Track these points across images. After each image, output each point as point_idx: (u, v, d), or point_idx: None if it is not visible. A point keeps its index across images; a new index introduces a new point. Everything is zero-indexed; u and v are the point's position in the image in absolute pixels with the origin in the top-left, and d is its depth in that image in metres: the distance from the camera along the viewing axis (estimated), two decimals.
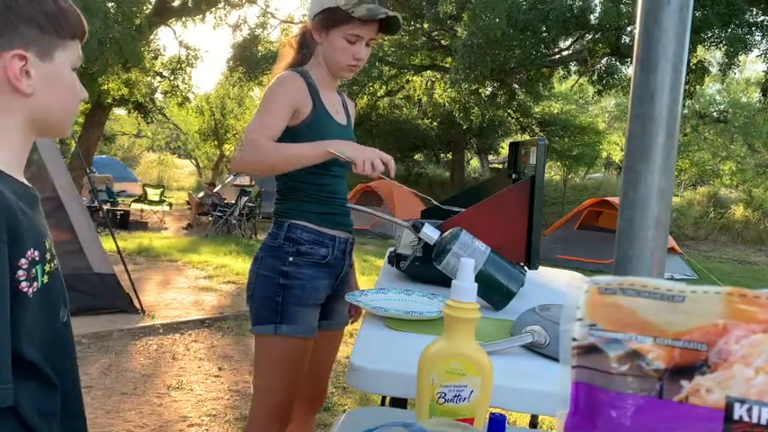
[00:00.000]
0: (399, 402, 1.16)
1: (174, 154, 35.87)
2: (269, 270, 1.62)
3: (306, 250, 1.62)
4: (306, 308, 1.63)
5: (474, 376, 0.69)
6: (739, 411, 0.38)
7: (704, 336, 0.39)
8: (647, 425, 0.39)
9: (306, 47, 1.70)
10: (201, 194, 13.25)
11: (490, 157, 24.40)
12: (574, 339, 0.42)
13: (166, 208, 13.43)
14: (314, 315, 1.66)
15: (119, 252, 5.05)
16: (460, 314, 0.70)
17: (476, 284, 0.71)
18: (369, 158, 1.45)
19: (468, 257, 1.39)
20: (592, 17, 11.62)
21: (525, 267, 1.76)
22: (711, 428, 0.38)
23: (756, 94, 18.40)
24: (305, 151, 1.49)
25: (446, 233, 1.46)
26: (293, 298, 1.60)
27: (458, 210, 1.79)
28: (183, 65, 14.48)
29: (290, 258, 1.61)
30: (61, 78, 0.94)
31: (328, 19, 1.60)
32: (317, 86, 1.65)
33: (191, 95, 15.32)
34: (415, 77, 16.77)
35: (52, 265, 0.91)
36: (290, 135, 1.59)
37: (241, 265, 7.61)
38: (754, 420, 0.37)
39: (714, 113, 20.34)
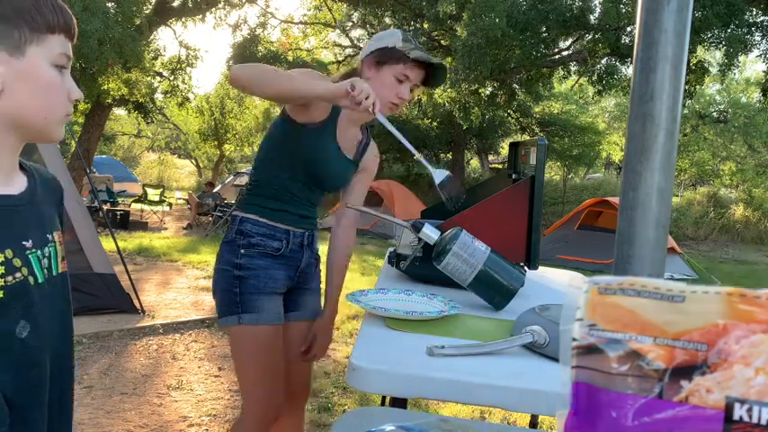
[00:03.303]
0: (399, 402, 1.16)
1: (174, 154, 35.87)
2: (225, 264, 1.69)
3: (256, 242, 1.69)
4: (263, 296, 1.68)
5: None
6: (739, 412, 0.38)
7: (704, 336, 0.39)
8: (647, 425, 0.39)
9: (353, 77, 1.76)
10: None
11: (490, 158, 24.39)
12: (574, 339, 0.42)
13: (166, 208, 13.43)
14: (274, 302, 1.71)
15: (119, 252, 5.05)
16: None
17: None
18: (371, 93, 1.44)
19: (470, 257, 1.39)
20: (592, 17, 11.61)
21: (525, 267, 1.76)
22: (711, 429, 0.38)
23: (756, 95, 18.41)
24: (311, 82, 1.48)
25: (446, 233, 1.46)
26: (249, 288, 1.67)
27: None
28: (183, 65, 14.47)
29: (242, 251, 1.68)
30: (37, 75, 0.86)
31: (384, 56, 1.68)
32: (339, 112, 1.71)
33: (191, 95, 15.31)
34: None
35: (8, 279, 0.84)
36: (292, 125, 1.66)
37: None
38: (755, 421, 0.37)
39: (714, 113, 20.33)
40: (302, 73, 1.56)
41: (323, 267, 1.93)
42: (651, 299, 0.40)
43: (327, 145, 1.71)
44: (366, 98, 1.43)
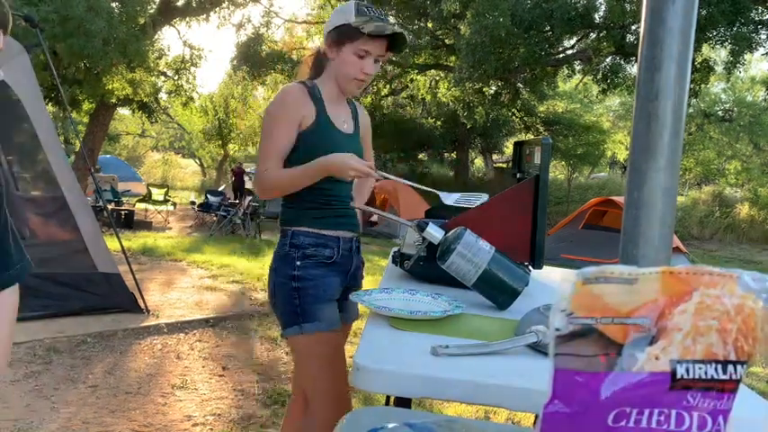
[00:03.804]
0: (403, 402, 1.16)
1: (178, 153, 35.96)
2: (282, 277, 1.74)
3: (311, 253, 1.73)
4: (322, 304, 1.72)
5: None
6: (681, 371, 0.45)
7: (648, 311, 0.45)
8: (614, 397, 0.45)
9: (319, 64, 1.83)
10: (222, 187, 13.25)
11: (494, 157, 24.37)
12: (557, 330, 0.45)
13: (171, 207, 13.46)
14: (332, 309, 1.76)
15: (123, 252, 5.07)
16: None
17: None
18: (353, 172, 1.61)
19: (474, 257, 1.39)
20: (596, 15, 11.59)
21: (530, 267, 1.75)
22: (663, 389, 0.45)
23: (762, 93, 18.32)
24: (300, 178, 1.67)
25: (450, 233, 1.46)
26: (308, 297, 1.71)
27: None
28: (188, 64, 14.50)
29: (298, 263, 1.72)
30: None
31: (340, 34, 1.71)
32: (322, 97, 1.76)
33: (195, 95, 15.34)
34: (418, 76, 16.76)
35: None
36: (301, 144, 1.73)
37: (245, 265, 7.62)
38: (693, 376, 0.45)
39: (719, 112, 20.26)
40: (274, 128, 1.71)
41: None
42: (615, 284, 0.45)
43: (331, 135, 1.75)
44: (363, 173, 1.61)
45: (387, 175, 1.82)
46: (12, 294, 0.94)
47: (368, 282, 2.09)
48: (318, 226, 1.75)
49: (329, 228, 1.76)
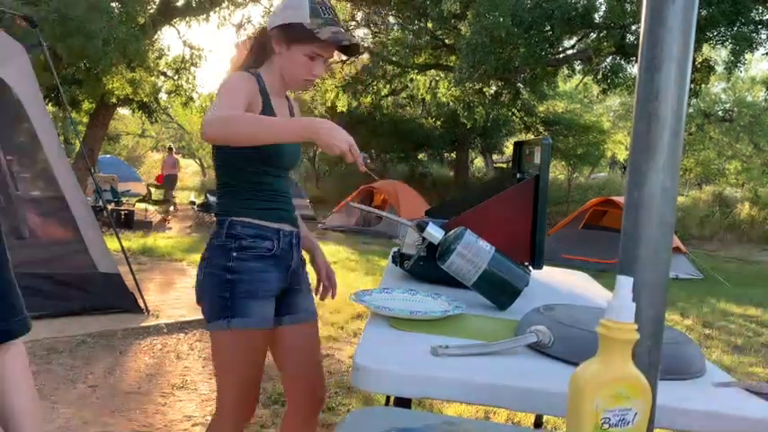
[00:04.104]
0: (404, 402, 1.16)
1: (179, 154, 35.93)
2: (215, 268, 1.64)
3: (248, 244, 1.64)
4: (256, 300, 1.64)
5: (638, 399, 0.67)
6: None
7: None
8: None
9: (262, 51, 1.73)
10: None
11: (494, 157, 24.36)
12: None
13: (170, 208, 13.45)
14: (266, 306, 1.67)
15: (123, 252, 5.06)
16: (618, 335, 0.67)
17: (633, 304, 0.68)
18: (345, 147, 1.40)
19: (474, 257, 1.39)
20: (596, 16, 11.58)
21: (530, 267, 1.75)
22: None
23: (762, 93, 18.32)
24: (279, 128, 1.43)
25: (450, 233, 1.46)
26: (241, 292, 1.62)
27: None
28: (188, 64, 14.50)
29: (234, 254, 1.63)
30: None
31: (291, 34, 1.63)
32: (267, 90, 1.68)
33: (195, 95, 15.33)
34: (418, 76, 16.75)
35: None
36: None
37: None
38: None
39: (719, 112, 20.24)
40: (232, 94, 1.53)
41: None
42: None
43: None
44: (349, 149, 1.42)
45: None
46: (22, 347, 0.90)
47: (368, 282, 2.09)
48: (259, 216, 1.66)
49: (270, 219, 1.68)
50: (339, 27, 1.62)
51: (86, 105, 13.53)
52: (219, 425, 1.71)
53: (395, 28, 15.11)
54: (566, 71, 13.41)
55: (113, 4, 10.40)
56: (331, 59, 1.70)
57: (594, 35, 11.92)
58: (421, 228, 1.52)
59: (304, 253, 1.89)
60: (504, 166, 22.36)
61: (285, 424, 1.89)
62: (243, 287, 1.62)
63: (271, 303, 1.69)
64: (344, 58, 1.90)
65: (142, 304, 4.81)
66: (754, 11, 10.18)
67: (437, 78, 16.89)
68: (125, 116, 27.25)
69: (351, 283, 6.51)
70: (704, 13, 9.16)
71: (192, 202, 14.54)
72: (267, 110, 1.66)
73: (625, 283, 0.69)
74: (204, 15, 14.25)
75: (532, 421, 2.55)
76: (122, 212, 11.47)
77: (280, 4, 1.71)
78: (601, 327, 0.69)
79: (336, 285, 1.96)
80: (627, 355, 0.68)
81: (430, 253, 1.57)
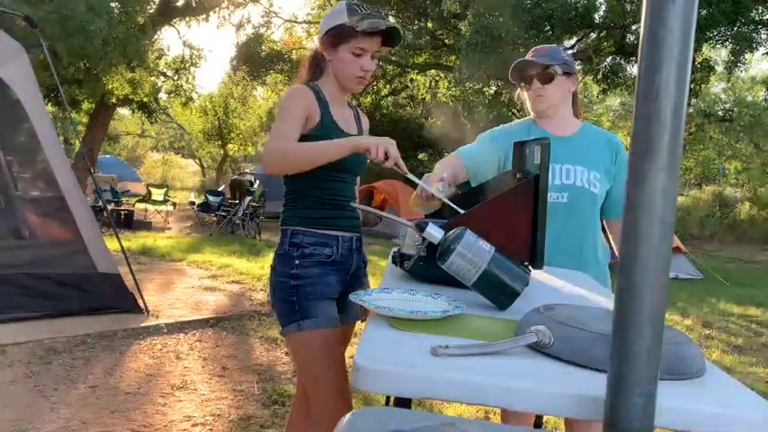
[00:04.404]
0: (403, 402, 1.16)
1: (178, 154, 35.94)
2: (281, 276, 1.76)
3: (310, 252, 1.75)
4: (320, 301, 1.74)
5: None
6: None
7: None
8: None
9: (317, 66, 1.84)
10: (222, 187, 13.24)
11: None
12: None
13: (170, 207, 13.45)
14: (330, 307, 1.77)
15: (123, 252, 5.06)
16: None
17: None
18: (382, 147, 1.58)
19: (474, 257, 1.39)
20: (596, 15, 11.59)
21: (530, 267, 1.75)
22: None
23: (762, 93, 18.32)
24: (328, 150, 1.62)
25: (450, 233, 1.46)
26: (306, 295, 1.73)
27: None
28: (187, 64, 14.51)
29: (297, 261, 1.74)
30: None
31: (335, 35, 1.73)
32: (326, 99, 1.78)
33: (194, 95, 15.34)
34: (418, 76, 16.76)
35: None
36: (301, 139, 1.72)
37: (245, 265, 7.62)
38: None
39: (719, 112, 20.25)
40: (288, 113, 1.68)
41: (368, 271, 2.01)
42: None
43: (337, 134, 1.75)
44: (385, 155, 1.59)
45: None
46: None
47: (370, 282, 2.09)
48: (317, 225, 1.76)
49: (328, 227, 1.77)
50: (377, 18, 1.70)
51: (86, 105, 13.54)
52: (319, 422, 1.75)
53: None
54: None
55: (113, 4, 10.40)
56: (379, 51, 1.78)
57: (594, 35, 11.93)
58: (421, 228, 1.52)
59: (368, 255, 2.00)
60: None
61: (293, 426, 1.93)
62: (307, 290, 1.73)
63: (333, 304, 1.79)
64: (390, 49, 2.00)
65: (142, 304, 4.81)
66: (754, 11, 10.19)
67: (437, 78, 16.90)
68: (125, 116, 27.29)
69: None
70: (704, 12, 9.16)
71: (192, 203, 14.55)
72: (326, 119, 1.75)
73: None
74: (204, 15, 14.26)
75: (532, 421, 2.55)
76: (122, 212, 11.48)
77: (324, 16, 1.82)
78: None
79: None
80: None
81: (430, 253, 1.56)
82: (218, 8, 14.34)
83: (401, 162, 1.61)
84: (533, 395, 0.95)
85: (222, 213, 11.89)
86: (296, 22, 17.77)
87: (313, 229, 1.76)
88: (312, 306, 1.72)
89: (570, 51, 12.75)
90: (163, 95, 15.51)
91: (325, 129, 1.74)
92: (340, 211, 1.80)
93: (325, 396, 1.74)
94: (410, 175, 1.68)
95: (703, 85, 11.47)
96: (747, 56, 11.26)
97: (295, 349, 1.77)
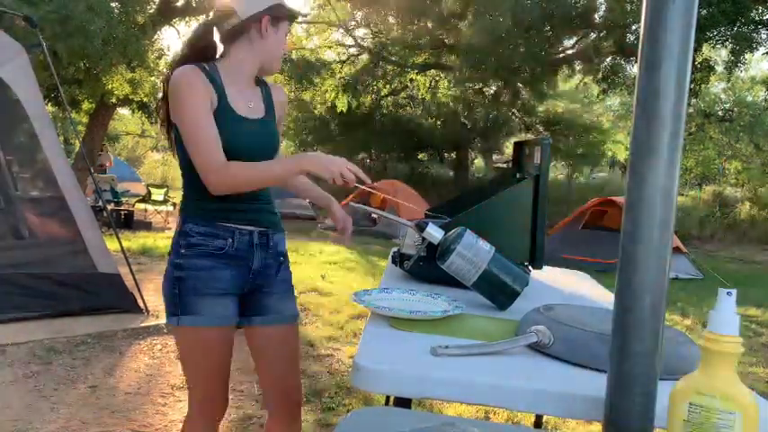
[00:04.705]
0: (404, 402, 1.16)
1: None
2: (169, 264, 1.68)
3: (196, 242, 1.64)
4: (205, 297, 1.63)
5: (734, 412, 0.67)
6: None
7: None
8: None
9: (206, 46, 1.69)
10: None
11: (494, 157, 24.36)
12: None
13: (170, 208, 13.44)
14: (219, 304, 1.65)
15: (123, 252, 5.06)
16: (721, 347, 0.68)
17: (737, 317, 0.69)
18: (336, 171, 1.50)
19: (474, 257, 1.39)
20: (596, 16, 11.59)
21: (530, 267, 1.75)
22: None
23: (762, 93, 18.30)
24: (277, 174, 1.54)
25: (450, 233, 1.46)
26: (188, 289, 1.63)
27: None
28: None
29: (182, 251, 1.65)
30: None
31: (281, 13, 1.67)
32: (221, 81, 1.62)
33: None
34: (418, 76, 16.76)
35: None
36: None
37: None
38: None
39: (719, 112, 20.23)
40: (198, 115, 1.55)
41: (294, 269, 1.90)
42: None
43: (231, 125, 1.60)
44: (341, 177, 1.51)
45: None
46: None
47: (368, 282, 2.09)
48: (209, 216, 1.64)
49: (222, 219, 1.65)
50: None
51: (86, 105, 13.53)
52: (190, 422, 1.73)
53: (395, 28, 15.12)
54: (566, 71, 13.41)
55: (113, 4, 10.40)
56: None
57: (594, 35, 11.93)
58: (421, 228, 1.52)
59: (292, 245, 1.90)
60: (504, 166, 22.36)
61: (268, 428, 1.88)
62: (190, 284, 1.63)
63: (226, 301, 1.67)
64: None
65: (142, 304, 4.81)
66: (754, 11, 10.19)
67: (437, 78, 16.90)
68: (125, 116, 27.24)
69: (350, 284, 6.51)
70: (704, 12, 9.16)
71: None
72: (223, 103, 1.60)
73: (726, 297, 0.70)
74: (204, 15, 14.24)
75: (532, 421, 2.55)
76: (122, 213, 11.47)
77: None
78: (704, 340, 0.69)
79: (350, 231, 1.91)
80: (730, 368, 0.68)
81: (430, 253, 1.57)
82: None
83: (363, 175, 1.52)
84: (533, 395, 0.95)
85: None
86: (296, 21, 17.78)
87: (204, 220, 1.64)
88: (193, 302, 1.62)
89: (570, 51, 12.77)
90: None
91: (220, 115, 1.58)
92: (237, 205, 1.65)
93: (195, 397, 1.71)
94: (371, 189, 1.63)
95: (703, 85, 11.47)
96: (747, 56, 11.27)
97: (176, 342, 1.71)
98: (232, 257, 1.66)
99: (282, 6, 1.66)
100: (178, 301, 1.63)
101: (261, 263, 1.72)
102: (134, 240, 8.95)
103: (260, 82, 1.77)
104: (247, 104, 1.67)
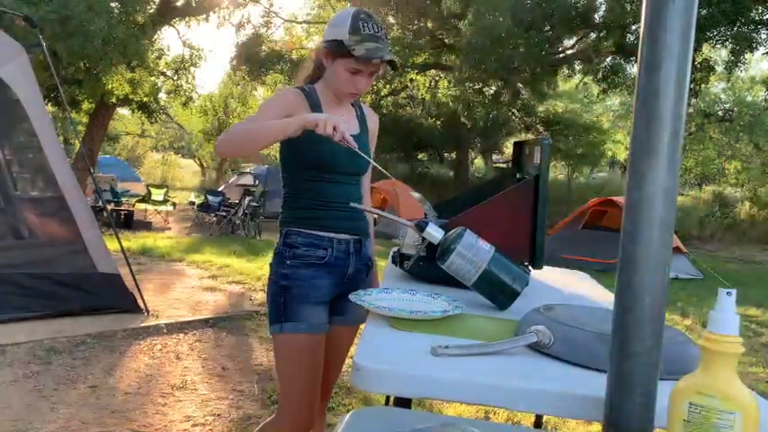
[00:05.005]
0: (403, 402, 1.16)
1: (178, 154, 35.94)
2: (274, 275, 1.77)
3: (301, 253, 1.74)
4: (307, 305, 1.72)
5: (734, 412, 0.67)
6: None
7: None
8: None
9: (318, 67, 1.82)
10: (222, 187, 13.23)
11: (494, 157, 24.37)
12: None
13: (170, 208, 13.45)
14: (318, 312, 1.74)
15: (123, 252, 5.06)
16: (721, 348, 0.68)
17: (737, 316, 0.69)
18: (329, 121, 1.51)
19: (474, 257, 1.39)
20: (596, 15, 11.59)
21: (529, 267, 1.75)
22: None
23: (762, 93, 18.30)
24: (274, 128, 1.56)
25: (450, 233, 1.46)
26: (293, 297, 1.72)
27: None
28: (187, 64, 14.50)
29: (288, 261, 1.74)
30: None
31: (334, 49, 1.70)
32: (319, 101, 1.76)
33: (194, 95, 15.33)
34: (418, 76, 16.76)
35: None
36: (289, 144, 1.71)
37: (245, 265, 7.62)
38: None
39: (719, 112, 20.24)
40: (265, 108, 1.67)
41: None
42: None
43: (325, 139, 1.64)
44: (333, 129, 1.51)
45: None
46: None
47: (378, 284, 2.08)
48: (311, 226, 1.75)
49: (323, 229, 1.75)
50: (377, 43, 1.66)
51: (86, 105, 13.53)
52: (279, 425, 1.77)
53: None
54: (566, 71, 13.41)
55: (113, 4, 10.40)
56: (377, 71, 1.74)
57: (594, 35, 11.93)
58: (420, 228, 1.52)
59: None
60: (504, 166, 22.36)
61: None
62: (294, 292, 1.72)
63: (322, 309, 1.77)
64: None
65: (142, 305, 4.81)
66: (754, 11, 10.19)
67: (437, 78, 16.90)
68: (125, 116, 27.25)
69: None
70: (704, 12, 9.16)
71: (192, 203, 14.53)
72: None
73: (726, 297, 0.70)
74: (204, 15, 14.25)
75: (532, 421, 2.55)
76: (122, 213, 11.47)
77: (331, 19, 1.79)
78: (703, 339, 0.69)
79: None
80: (730, 368, 0.68)
81: (430, 253, 1.56)
82: (218, 8, 14.33)
83: (348, 137, 1.54)
84: (533, 395, 0.94)
85: (222, 213, 11.88)
86: (296, 22, 17.78)
87: (306, 230, 1.74)
88: (297, 309, 1.71)
89: (570, 51, 12.77)
90: (163, 95, 15.50)
91: (312, 131, 1.61)
92: (335, 213, 1.76)
93: (290, 400, 1.75)
94: (359, 151, 1.62)
95: (703, 85, 11.48)
96: (747, 56, 11.27)
97: (275, 349, 1.78)
98: (331, 266, 1.77)
99: (337, 43, 1.67)
100: (282, 309, 1.72)
101: (354, 269, 1.83)
102: (134, 240, 8.95)
103: (355, 104, 1.89)
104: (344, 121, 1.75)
